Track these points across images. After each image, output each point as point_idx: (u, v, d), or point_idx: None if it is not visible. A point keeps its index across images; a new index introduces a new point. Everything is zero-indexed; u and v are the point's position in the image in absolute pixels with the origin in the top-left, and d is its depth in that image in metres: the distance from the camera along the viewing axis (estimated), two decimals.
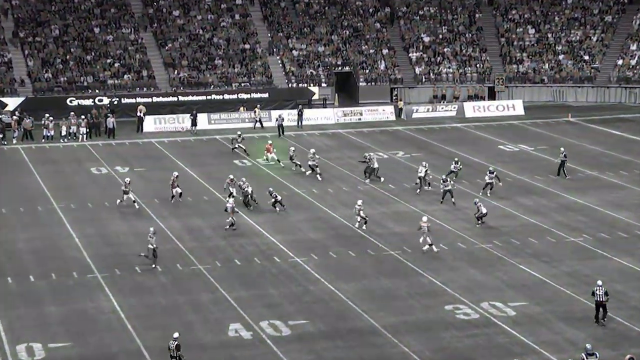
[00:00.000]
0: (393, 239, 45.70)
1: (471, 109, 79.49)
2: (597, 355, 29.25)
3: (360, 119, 77.27)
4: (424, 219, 44.32)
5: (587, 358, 29.10)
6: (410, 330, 35.37)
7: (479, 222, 47.60)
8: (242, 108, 77.36)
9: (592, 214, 50.25)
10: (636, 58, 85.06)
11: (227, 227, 47.24)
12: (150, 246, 42.11)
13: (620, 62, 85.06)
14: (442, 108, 79.34)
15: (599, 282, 35.57)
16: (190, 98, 78.31)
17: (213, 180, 57.81)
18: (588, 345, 29.60)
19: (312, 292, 39.24)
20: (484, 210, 47.67)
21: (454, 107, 79.31)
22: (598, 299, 35.26)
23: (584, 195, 53.55)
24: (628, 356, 28.11)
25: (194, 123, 72.85)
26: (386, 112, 78.35)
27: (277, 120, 71.86)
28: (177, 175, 53.20)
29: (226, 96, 79.51)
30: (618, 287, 39.38)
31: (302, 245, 45.58)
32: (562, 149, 58.46)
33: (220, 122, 75.17)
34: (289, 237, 46.77)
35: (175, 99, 78.28)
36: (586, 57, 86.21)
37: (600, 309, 35.40)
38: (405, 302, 38.28)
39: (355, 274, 41.55)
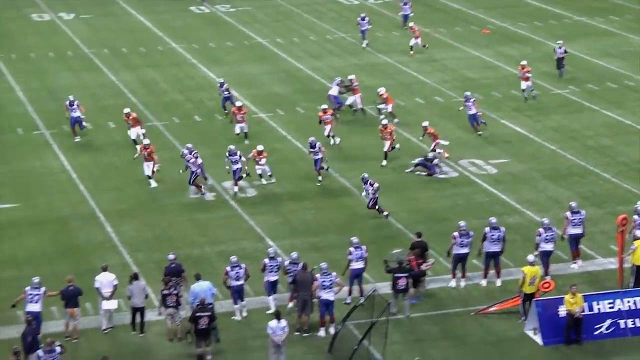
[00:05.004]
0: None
1: None
2: (583, 214, 29.82)
3: None
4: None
5: (571, 216, 29.68)
6: (383, 190, 35.74)
7: None
8: None
9: (579, 63, 50.43)
10: None
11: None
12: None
13: None
14: None
15: None
16: None
17: (167, 30, 57.23)
18: (573, 203, 30.12)
19: (277, 151, 39.40)
20: None
21: None
22: None
23: (569, 42, 53.49)
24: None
25: None
26: None
27: None
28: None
29: None
30: (606, 142, 39.92)
31: (267, 100, 45.56)
32: (559, 42, 48.96)
33: None
34: (253, 91, 46.70)
35: None
36: None
37: None
38: (374, 162, 38.57)
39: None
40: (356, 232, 30.58)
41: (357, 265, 28.14)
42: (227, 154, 35.30)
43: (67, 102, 40.16)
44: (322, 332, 26.80)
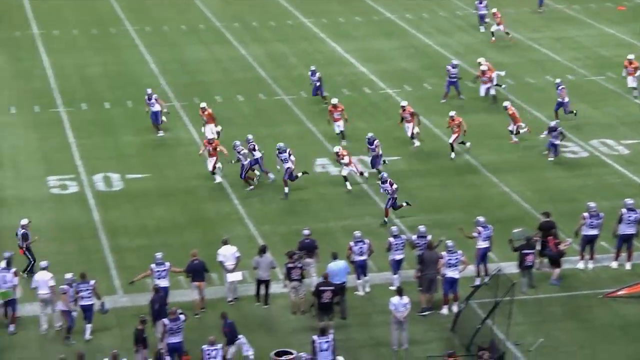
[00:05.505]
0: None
1: None
2: None
3: None
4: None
5: None
6: (510, 170, 35.25)
7: None
8: None
9: None
10: None
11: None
12: None
13: None
14: None
15: None
16: None
17: (297, 4, 57.33)
18: None
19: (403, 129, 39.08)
20: None
21: None
22: None
23: None
24: None
25: None
26: None
27: None
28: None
29: None
30: None
31: (395, 75, 45.31)
32: None
33: None
34: (380, 66, 46.50)
35: None
36: None
37: None
38: (502, 141, 38.03)
39: (444, 109, 41.27)
40: (481, 211, 30.22)
41: (484, 244, 27.80)
42: (276, 151, 33.95)
43: (146, 97, 38.60)
44: (445, 310, 26.59)
